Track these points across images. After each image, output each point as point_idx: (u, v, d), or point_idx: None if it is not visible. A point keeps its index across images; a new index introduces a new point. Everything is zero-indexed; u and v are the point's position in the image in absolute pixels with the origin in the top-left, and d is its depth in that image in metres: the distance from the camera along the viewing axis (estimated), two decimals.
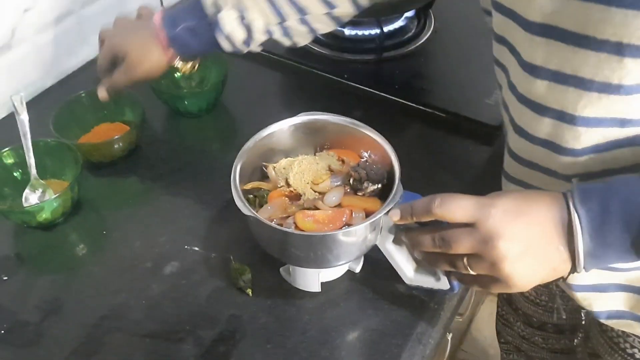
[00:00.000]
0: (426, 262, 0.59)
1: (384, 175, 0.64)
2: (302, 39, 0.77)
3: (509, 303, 0.87)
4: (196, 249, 0.73)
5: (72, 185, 0.73)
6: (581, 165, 0.54)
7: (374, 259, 0.64)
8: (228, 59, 0.88)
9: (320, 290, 0.67)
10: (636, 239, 0.47)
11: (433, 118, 0.88)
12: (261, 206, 0.64)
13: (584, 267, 0.49)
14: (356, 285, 0.68)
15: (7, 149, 0.76)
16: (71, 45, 0.97)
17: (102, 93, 0.79)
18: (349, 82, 0.94)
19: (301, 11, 0.72)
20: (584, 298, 0.64)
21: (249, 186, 0.66)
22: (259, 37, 0.74)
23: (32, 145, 0.75)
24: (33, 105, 0.91)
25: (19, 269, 0.71)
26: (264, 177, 0.69)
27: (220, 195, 0.77)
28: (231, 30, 0.72)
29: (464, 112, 0.87)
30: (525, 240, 0.49)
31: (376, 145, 0.66)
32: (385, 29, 0.99)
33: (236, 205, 0.60)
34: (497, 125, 0.85)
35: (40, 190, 0.75)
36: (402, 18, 1.02)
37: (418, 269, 0.63)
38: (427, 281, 0.63)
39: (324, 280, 0.67)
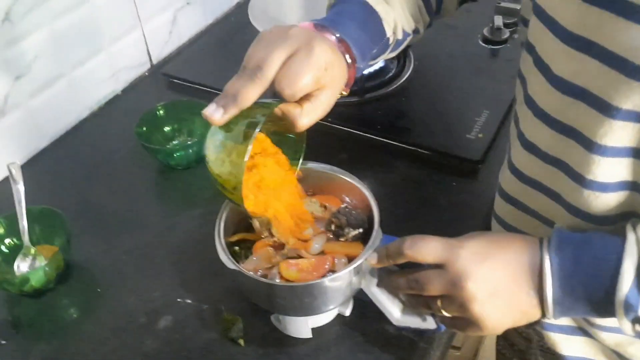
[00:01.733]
0: (408, 304, 0.60)
1: (364, 220, 0.66)
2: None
3: (504, 338, 0.87)
4: (189, 301, 0.74)
5: (62, 250, 0.74)
6: (587, 198, 0.52)
7: (363, 301, 0.65)
8: None
9: (311, 336, 0.68)
10: (595, 300, 0.47)
11: (416, 156, 0.90)
12: (247, 257, 0.66)
13: (552, 315, 0.50)
14: (346, 329, 0.69)
15: None
16: (64, 107, 1.00)
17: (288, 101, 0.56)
18: (333, 125, 0.96)
19: None
20: (548, 338, 0.64)
21: (234, 238, 0.68)
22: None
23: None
24: (27, 167, 0.94)
25: (16, 333, 0.73)
26: (250, 227, 0.70)
27: (211, 247, 0.78)
28: None
29: (446, 148, 0.89)
30: (494, 283, 0.50)
31: (356, 190, 0.68)
32: (366, 71, 1.01)
33: None
34: (478, 159, 0.87)
35: (31, 257, 0.77)
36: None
37: (404, 310, 0.64)
38: (414, 322, 0.63)
39: (314, 326, 0.68)
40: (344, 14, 0.64)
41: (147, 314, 0.73)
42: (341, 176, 0.69)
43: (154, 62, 1.15)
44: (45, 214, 0.79)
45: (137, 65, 1.12)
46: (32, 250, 0.78)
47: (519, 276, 0.50)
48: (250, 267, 0.63)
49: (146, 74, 1.14)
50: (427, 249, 0.53)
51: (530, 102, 0.56)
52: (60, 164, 0.96)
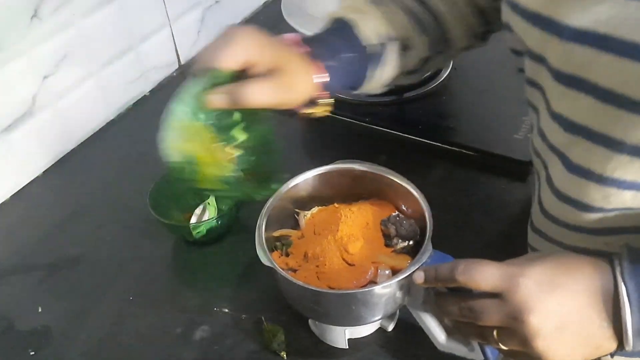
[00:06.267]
0: (456, 331, 0.54)
1: (415, 232, 0.61)
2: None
3: None
4: (226, 310, 0.70)
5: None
6: (610, 221, 0.50)
7: (410, 317, 0.60)
8: None
9: (347, 347, 0.64)
10: None
11: (461, 157, 0.86)
12: (288, 255, 0.63)
13: (633, 347, 0.44)
14: (388, 345, 0.65)
15: None
16: (92, 108, 0.97)
17: (219, 100, 0.55)
18: (372, 126, 0.92)
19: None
20: None
21: (277, 233, 0.65)
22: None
23: None
24: (54, 170, 0.91)
25: (47, 343, 0.69)
26: (297, 224, 0.67)
27: (246, 252, 0.75)
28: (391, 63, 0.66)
29: (492, 148, 0.85)
30: (561, 316, 0.44)
31: (411, 198, 0.63)
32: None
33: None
34: (528, 160, 0.82)
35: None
36: None
37: (450, 336, 0.58)
38: (459, 349, 0.57)
39: (353, 337, 0.64)
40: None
41: (183, 323, 0.69)
42: (398, 181, 0.65)
43: (182, 62, 1.12)
44: None
45: (165, 65, 1.09)
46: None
47: (590, 307, 0.44)
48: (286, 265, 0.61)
49: (174, 74, 1.11)
50: (482, 276, 0.47)
51: (542, 136, 0.55)
52: (88, 166, 0.93)
